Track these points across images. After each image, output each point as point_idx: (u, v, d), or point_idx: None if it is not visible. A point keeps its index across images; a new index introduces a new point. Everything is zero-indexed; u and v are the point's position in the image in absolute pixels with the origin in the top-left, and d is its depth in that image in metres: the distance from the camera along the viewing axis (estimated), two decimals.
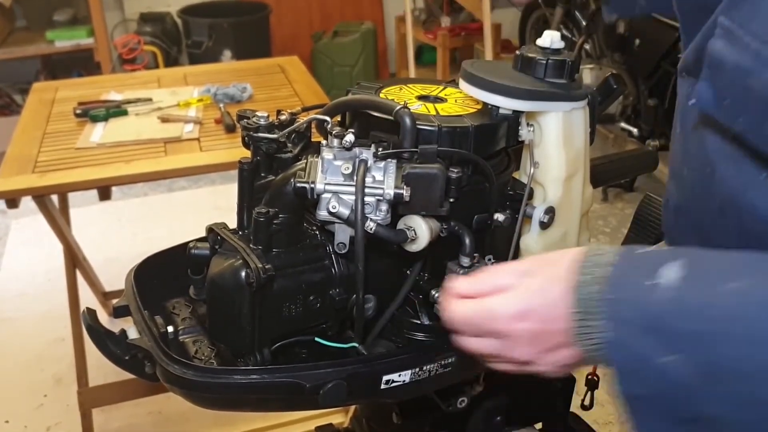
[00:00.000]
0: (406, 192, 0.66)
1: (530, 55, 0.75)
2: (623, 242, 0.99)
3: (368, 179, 0.66)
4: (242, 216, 0.79)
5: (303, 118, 0.79)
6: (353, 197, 0.66)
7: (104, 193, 2.35)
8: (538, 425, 0.96)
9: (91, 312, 0.77)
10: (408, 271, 0.77)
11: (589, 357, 0.59)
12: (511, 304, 0.62)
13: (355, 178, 0.66)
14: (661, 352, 0.52)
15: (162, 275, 0.86)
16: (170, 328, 0.80)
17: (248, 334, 0.73)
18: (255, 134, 0.77)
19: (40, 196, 1.90)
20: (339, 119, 0.81)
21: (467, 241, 0.72)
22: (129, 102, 2.14)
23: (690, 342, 0.51)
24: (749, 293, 0.50)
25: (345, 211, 0.66)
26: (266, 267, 0.69)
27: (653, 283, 0.53)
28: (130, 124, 2.05)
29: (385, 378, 0.72)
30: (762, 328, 0.49)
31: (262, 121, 0.78)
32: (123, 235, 3.17)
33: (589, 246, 0.61)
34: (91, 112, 2.07)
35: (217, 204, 3.37)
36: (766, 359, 0.48)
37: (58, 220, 2.14)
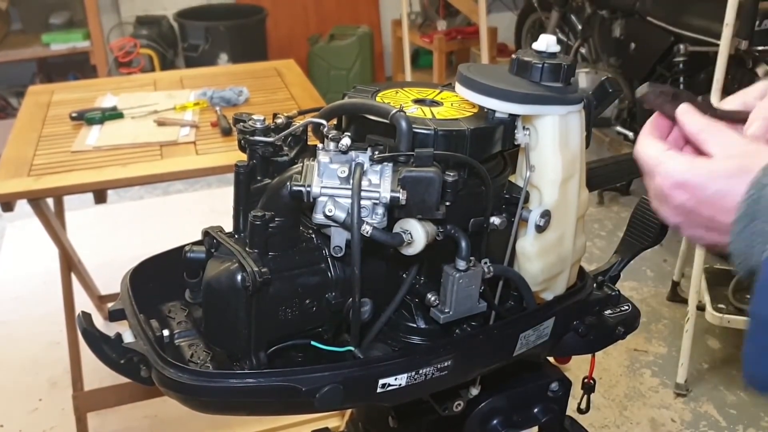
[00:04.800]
0: (402, 195, 0.66)
1: (526, 58, 0.75)
2: (619, 246, 0.99)
3: (364, 183, 0.66)
4: (238, 219, 0.79)
5: (299, 122, 0.79)
6: (349, 200, 0.66)
7: (100, 197, 2.34)
8: (535, 428, 0.96)
9: (87, 315, 0.77)
10: (404, 275, 0.77)
11: (739, 256, 0.58)
12: (683, 171, 0.63)
13: (351, 181, 0.66)
14: None
15: (158, 279, 0.86)
16: (166, 332, 0.79)
17: (244, 337, 0.73)
18: (251, 137, 0.77)
19: (36, 199, 1.89)
20: (335, 122, 0.81)
21: (463, 244, 0.72)
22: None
23: None
24: None
25: (341, 215, 0.66)
26: (262, 270, 0.69)
27: None
28: (126, 127, 2.05)
29: (381, 381, 0.72)
30: None
31: (259, 125, 0.78)
32: (119, 239, 3.17)
33: None
34: (87, 115, 2.07)
35: (213, 207, 3.37)
36: None
37: (54, 224, 2.14)
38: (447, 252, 0.73)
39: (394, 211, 0.68)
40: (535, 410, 0.92)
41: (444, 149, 0.72)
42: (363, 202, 0.66)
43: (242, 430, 2.05)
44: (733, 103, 0.70)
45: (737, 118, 0.66)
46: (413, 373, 0.74)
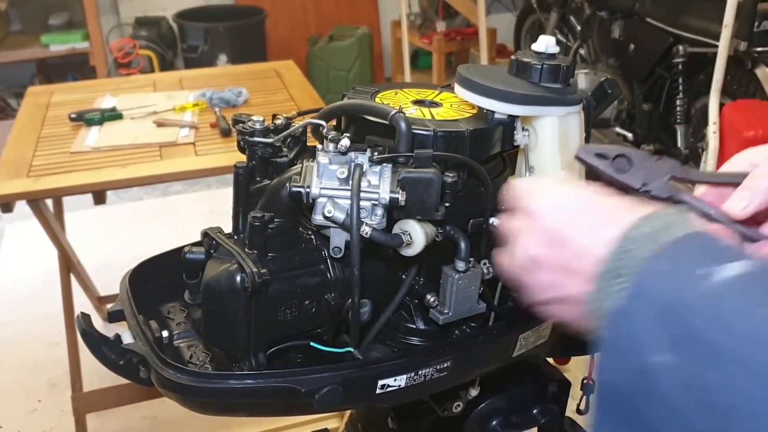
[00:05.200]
0: (401, 196, 0.66)
1: (525, 59, 0.76)
2: None
3: (364, 184, 0.66)
4: (237, 220, 0.79)
5: (298, 123, 0.79)
6: (349, 202, 0.66)
7: (99, 197, 2.34)
8: (534, 429, 0.96)
9: (86, 316, 0.77)
10: (403, 276, 0.77)
11: (591, 319, 0.50)
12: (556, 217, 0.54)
13: (350, 182, 0.66)
14: (660, 347, 0.43)
15: (157, 280, 0.86)
16: (165, 333, 0.79)
17: (243, 338, 0.73)
18: (250, 138, 0.77)
19: (35, 200, 1.89)
20: (334, 124, 0.81)
21: (463, 245, 0.72)
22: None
23: (697, 349, 0.41)
24: None
25: (340, 216, 0.66)
26: (261, 271, 0.69)
27: (705, 272, 0.43)
28: (125, 128, 2.05)
29: (380, 382, 0.72)
30: None
31: (258, 126, 0.78)
32: (118, 240, 3.17)
33: (676, 207, 0.52)
34: (86, 116, 2.07)
35: (212, 208, 3.37)
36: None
37: (53, 224, 2.14)
38: (446, 253, 0.73)
39: (393, 212, 0.68)
40: (535, 411, 0.92)
41: (443, 150, 0.72)
42: (362, 203, 0.66)
43: (241, 431, 2.05)
44: (737, 164, 0.59)
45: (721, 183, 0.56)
46: (412, 374, 0.74)
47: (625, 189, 0.56)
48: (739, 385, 0.39)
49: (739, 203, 0.53)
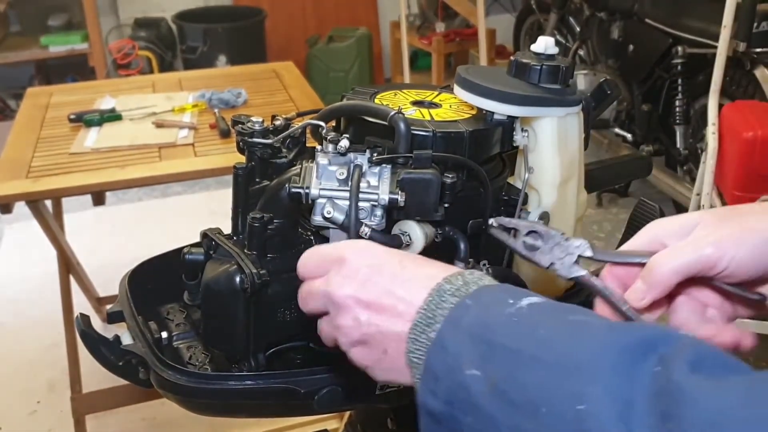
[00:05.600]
0: (400, 197, 0.66)
1: (525, 60, 0.76)
2: (617, 246, 0.99)
3: (363, 184, 0.66)
4: (237, 221, 0.79)
5: (298, 124, 0.79)
6: (348, 202, 0.66)
7: (98, 199, 2.34)
8: None
9: (85, 317, 0.77)
10: None
11: (411, 370, 0.53)
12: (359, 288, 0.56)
13: (349, 183, 0.66)
14: (472, 362, 0.48)
15: (156, 280, 0.86)
16: (164, 334, 0.79)
17: (243, 339, 0.73)
18: (250, 139, 0.77)
19: (34, 201, 1.89)
20: (334, 124, 0.81)
21: (462, 246, 0.72)
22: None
23: (502, 358, 0.47)
24: (586, 326, 0.46)
25: (340, 217, 0.66)
26: (261, 272, 0.69)
27: (506, 304, 0.50)
28: (124, 129, 2.05)
29: (380, 383, 0.72)
30: (568, 357, 0.44)
31: (257, 127, 0.78)
32: (117, 241, 3.17)
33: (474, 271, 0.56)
34: (86, 117, 2.07)
35: (211, 209, 3.37)
36: (553, 393, 0.44)
37: (52, 225, 2.14)
38: (445, 254, 0.73)
39: (392, 212, 0.68)
40: None
41: (442, 151, 0.72)
42: (361, 204, 0.66)
43: None
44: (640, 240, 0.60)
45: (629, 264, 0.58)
46: None
47: (535, 265, 0.61)
48: (537, 381, 0.45)
49: (637, 295, 0.56)
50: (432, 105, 0.82)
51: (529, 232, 0.61)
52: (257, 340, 0.74)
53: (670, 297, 0.59)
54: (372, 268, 0.56)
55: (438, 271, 0.55)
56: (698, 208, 2.24)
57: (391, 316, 0.54)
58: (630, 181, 2.97)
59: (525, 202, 0.78)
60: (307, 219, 0.72)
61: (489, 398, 0.47)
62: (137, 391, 1.84)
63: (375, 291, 0.55)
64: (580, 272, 0.58)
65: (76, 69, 4.08)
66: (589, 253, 0.59)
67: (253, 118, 0.79)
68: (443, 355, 0.50)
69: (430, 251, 0.70)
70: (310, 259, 0.60)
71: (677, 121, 2.95)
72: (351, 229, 0.65)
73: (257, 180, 0.78)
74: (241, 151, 0.79)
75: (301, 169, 0.69)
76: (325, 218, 0.66)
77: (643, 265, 0.57)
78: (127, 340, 0.76)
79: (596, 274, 0.59)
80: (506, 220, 0.63)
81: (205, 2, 4.46)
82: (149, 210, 3.47)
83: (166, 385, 0.71)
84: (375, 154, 0.68)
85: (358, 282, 0.56)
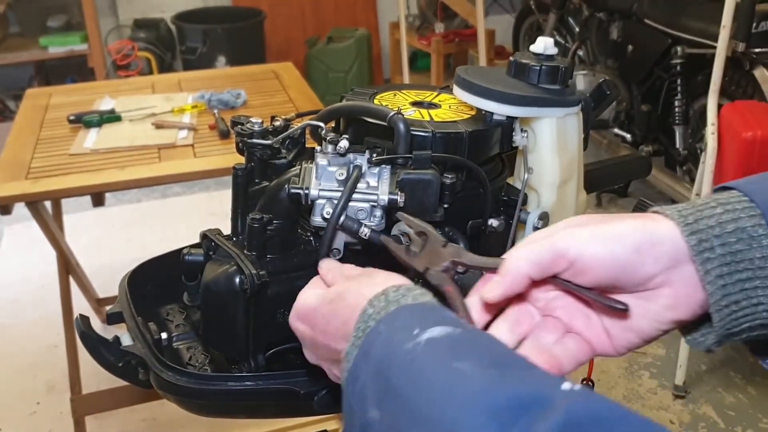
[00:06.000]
0: (400, 198, 0.66)
1: (524, 61, 0.76)
2: None
3: (362, 185, 0.66)
4: (236, 222, 0.79)
5: (297, 124, 0.79)
6: (350, 203, 0.66)
7: (98, 199, 2.34)
8: None
9: (85, 319, 0.77)
10: None
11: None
12: (302, 301, 0.62)
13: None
14: (374, 402, 0.47)
15: (156, 281, 0.86)
16: (164, 335, 0.79)
17: (242, 340, 0.73)
18: (249, 140, 0.77)
19: (34, 202, 1.89)
20: (333, 125, 0.81)
21: (462, 246, 0.71)
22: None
23: (395, 404, 0.46)
24: (464, 380, 0.44)
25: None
26: (260, 273, 0.69)
27: (417, 332, 0.48)
28: (123, 130, 2.05)
29: None
30: (443, 416, 0.43)
31: (257, 127, 0.78)
32: (117, 242, 3.16)
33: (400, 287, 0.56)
34: (85, 118, 2.07)
35: (211, 210, 3.37)
36: None
37: (52, 227, 2.13)
38: None
39: (392, 213, 0.68)
40: None
41: (442, 151, 0.72)
42: (361, 205, 0.66)
43: None
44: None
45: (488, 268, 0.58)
46: None
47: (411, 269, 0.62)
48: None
49: (489, 287, 0.56)
50: (431, 105, 0.82)
51: (419, 233, 0.62)
52: (257, 341, 0.74)
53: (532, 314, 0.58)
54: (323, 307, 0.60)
55: (371, 288, 0.56)
56: None
57: (334, 340, 0.58)
58: (629, 181, 2.97)
59: (525, 202, 0.78)
60: (306, 220, 0.72)
61: None
62: (137, 392, 1.83)
63: (321, 324, 0.60)
64: (443, 282, 0.59)
65: (75, 70, 4.08)
66: (459, 258, 0.60)
67: (253, 119, 0.79)
68: (355, 385, 0.50)
69: None
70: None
71: (676, 122, 2.96)
72: (331, 222, 0.65)
73: (257, 181, 0.78)
74: (240, 151, 0.79)
75: (300, 169, 0.69)
76: (324, 219, 0.66)
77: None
78: (126, 341, 0.76)
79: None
80: (406, 217, 0.63)
81: (204, 3, 4.46)
82: (149, 211, 3.47)
83: (166, 386, 0.71)
84: (374, 155, 0.68)
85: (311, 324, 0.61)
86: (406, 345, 0.48)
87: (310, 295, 0.63)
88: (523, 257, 0.54)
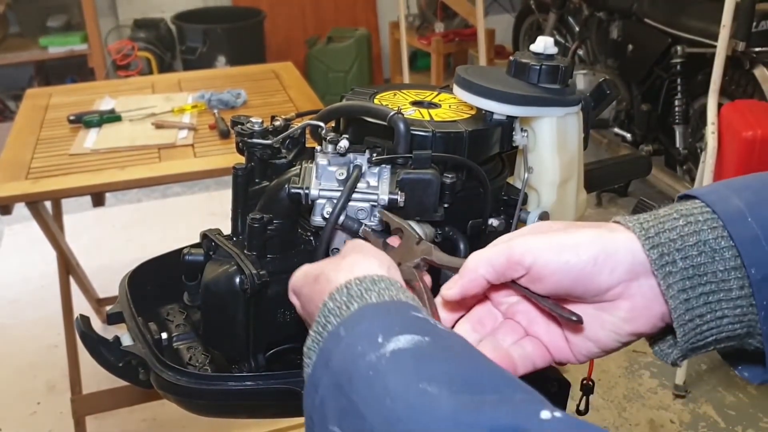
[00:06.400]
0: (400, 197, 0.66)
1: (524, 60, 0.76)
2: None
3: (362, 185, 0.66)
4: (236, 222, 0.79)
5: (297, 124, 0.79)
6: (349, 204, 0.66)
7: (98, 200, 2.34)
8: None
9: (85, 319, 0.77)
10: None
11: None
12: (295, 276, 0.61)
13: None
14: (333, 418, 0.44)
15: (156, 281, 0.86)
16: (164, 335, 0.79)
17: (243, 340, 0.73)
18: (249, 140, 0.77)
19: (34, 202, 1.89)
20: (333, 125, 0.81)
21: (462, 246, 0.72)
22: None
23: (358, 426, 0.43)
24: (431, 406, 0.41)
25: (340, 217, 0.66)
26: (261, 273, 0.69)
27: (381, 341, 0.45)
28: (123, 130, 2.05)
29: None
30: None
31: (257, 127, 0.78)
32: (117, 242, 3.17)
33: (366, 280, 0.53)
34: (85, 118, 2.07)
35: (211, 210, 3.37)
36: None
37: (52, 227, 2.14)
38: (445, 253, 0.73)
39: (392, 213, 0.68)
40: None
41: (442, 151, 0.72)
42: (361, 204, 0.66)
43: None
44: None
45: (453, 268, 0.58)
46: None
47: None
48: None
49: (448, 284, 0.55)
50: (431, 105, 0.82)
51: (396, 230, 0.63)
52: (257, 341, 0.73)
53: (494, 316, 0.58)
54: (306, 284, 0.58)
55: (338, 275, 0.54)
56: None
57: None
58: (629, 180, 2.97)
59: (525, 202, 0.78)
60: (306, 219, 0.72)
61: None
62: (137, 392, 1.83)
63: (305, 303, 0.58)
64: (412, 278, 0.59)
65: (75, 70, 4.08)
66: (431, 256, 0.60)
67: (253, 119, 0.79)
68: (314, 398, 0.47)
69: None
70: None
71: (676, 121, 2.96)
72: (330, 222, 0.65)
73: (257, 181, 0.78)
74: (240, 151, 0.79)
75: (300, 169, 0.69)
76: (324, 219, 0.66)
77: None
78: (127, 341, 0.76)
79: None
80: (384, 214, 0.63)
81: (204, 3, 4.46)
82: (149, 211, 3.47)
83: (166, 386, 0.71)
84: (374, 155, 0.68)
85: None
86: (368, 356, 0.45)
87: (300, 270, 0.61)
88: (482, 259, 0.54)
